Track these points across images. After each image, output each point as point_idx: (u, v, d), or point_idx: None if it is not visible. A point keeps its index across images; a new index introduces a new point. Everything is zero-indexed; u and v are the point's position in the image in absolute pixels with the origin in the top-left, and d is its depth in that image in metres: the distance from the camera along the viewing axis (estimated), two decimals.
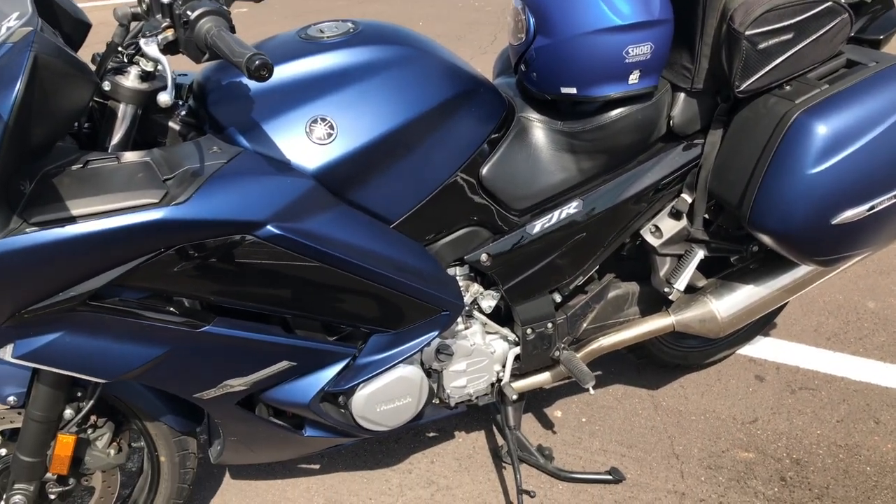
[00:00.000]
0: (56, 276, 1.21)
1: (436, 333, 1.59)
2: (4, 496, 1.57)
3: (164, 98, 1.19)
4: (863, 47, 1.80)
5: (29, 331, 1.29)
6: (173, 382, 1.45)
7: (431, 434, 2.18)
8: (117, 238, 1.20)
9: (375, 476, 2.06)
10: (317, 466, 2.08)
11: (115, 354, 1.35)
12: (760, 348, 2.49)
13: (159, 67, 1.34)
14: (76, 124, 1.39)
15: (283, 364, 1.48)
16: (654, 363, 2.30)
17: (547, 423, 2.22)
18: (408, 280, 1.49)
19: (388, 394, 1.61)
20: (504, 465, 2.07)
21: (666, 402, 2.29)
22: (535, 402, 2.29)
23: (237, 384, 1.48)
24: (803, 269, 1.92)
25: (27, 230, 1.16)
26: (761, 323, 2.36)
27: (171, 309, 1.35)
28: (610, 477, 2.00)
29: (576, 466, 2.07)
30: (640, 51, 1.53)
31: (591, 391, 1.84)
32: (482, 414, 2.24)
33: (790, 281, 1.91)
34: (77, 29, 1.45)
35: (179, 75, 1.58)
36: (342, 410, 1.65)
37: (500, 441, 2.14)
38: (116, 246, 1.21)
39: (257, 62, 1.08)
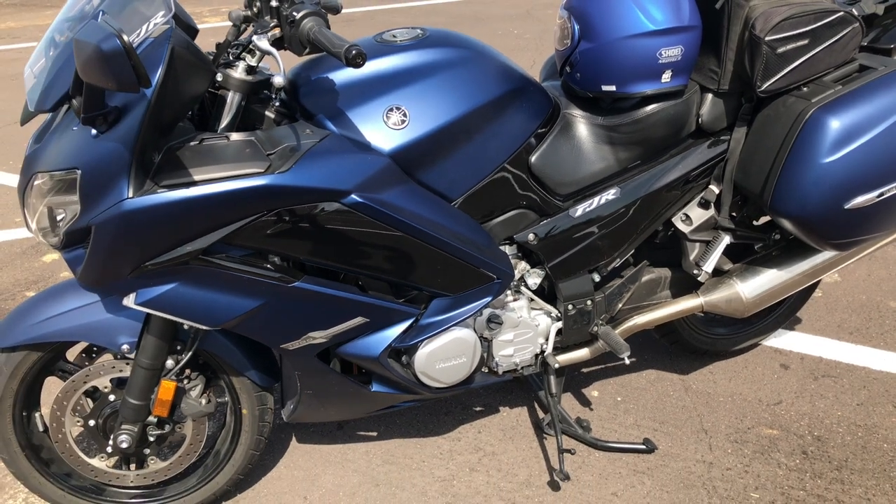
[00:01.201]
0: (177, 231, 1.46)
1: (489, 299, 1.81)
2: (112, 435, 1.81)
3: (279, 80, 1.44)
4: (878, 56, 1.99)
5: (149, 281, 1.54)
6: (265, 332, 1.68)
7: (478, 408, 2.39)
8: (229, 199, 1.45)
9: (428, 443, 2.26)
10: (374, 433, 2.30)
11: (220, 304, 1.59)
12: (786, 340, 2.66)
13: (261, 64, 1.60)
14: (191, 112, 1.64)
15: (358, 320, 1.71)
16: (684, 349, 2.49)
17: (585, 402, 2.41)
18: (467, 248, 1.71)
19: (446, 352, 1.83)
20: (545, 435, 2.26)
21: (696, 385, 2.47)
22: (575, 383, 2.49)
23: (318, 336, 1.71)
24: (822, 256, 2.10)
25: (158, 191, 1.42)
26: (785, 315, 2.53)
27: (268, 266, 1.59)
28: (643, 447, 2.18)
29: (611, 438, 2.25)
30: (671, 53, 1.75)
31: (627, 361, 2.03)
32: (525, 392, 2.44)
33: (810, 266, 2.10)
34: (187, 33, 1.71)
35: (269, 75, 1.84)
36: (405, 367, 1.86)
37: (542, 415, 2.34)
38: (228, 206, 1.46)
39: (354, 52, 1.33)
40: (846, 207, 1.82)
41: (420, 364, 1.83)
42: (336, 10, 1.80)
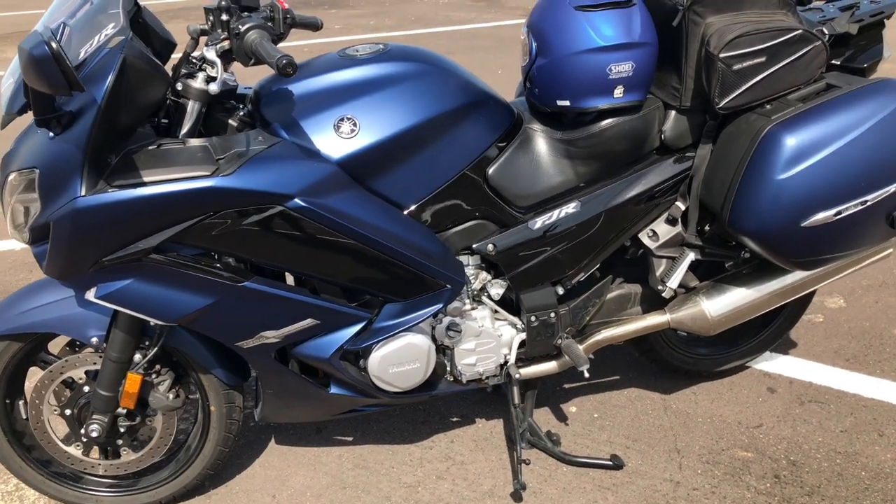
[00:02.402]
0: (127, 229, 1.55)
1: (440, 306, 1.85)
2: (84, 425, 1.91)
3: (213, 87, 1.54)
4: (847, 74, 1.98)
5: (108, 277, 1.64)
6: (219, 330, 1.76)
7: (454, 418, 2.42)
8: (175, 200, 1.54)
9: (400, 449, 2.31)
10: (349, 438, 2.35)
11: (173, 300, 1.67)
12: (777, 364, 2.61)
13: (226, 75, 1.69)
14: (156, 119, 1.74)
15: (309, 321, 1.77)
16: (664, 367, 2.47)
17: (561, 416, 2.41)
18: (415, 256, 1.76)
19: (398, 357, 1.87)
20: (516, 448, 2.28)
21: (676, 405, 2.45)
22: (554, 397, 2.50)
23: (271, 336, 1.78)
24: (792, 277, 2.08)
25: (109, 190, 1.51)
26: (773, 337, 2.49)
27: (218, 265, 1.67)
28: (610, 463, 2.17)
29: (582, 454, 2.25)
30: (621, 68, 1.78)
31: (586, 374, 2.03)
32: (501, 405, 2.46)
33: (779, 287, 2.08)
34: (165, 47, 1.83)
35: (245, 88, 1.93)
36: (361, 371, 1.92)
37: None
38: (174, 206, 1.55)
39: (284, 61, 1.41)
40: (803, 225, 1.80)
41: (374, 368, 1.88)
42: (316, 27, 1.90)
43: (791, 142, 1.76)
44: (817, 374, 2.56)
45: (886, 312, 2.90)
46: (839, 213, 1.80)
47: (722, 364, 2.49)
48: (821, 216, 1.80)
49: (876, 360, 2.62)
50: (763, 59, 1.79)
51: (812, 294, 2.37)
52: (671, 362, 2.42)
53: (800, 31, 1.80)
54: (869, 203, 1.81)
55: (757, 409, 2.41)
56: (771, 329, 2.47)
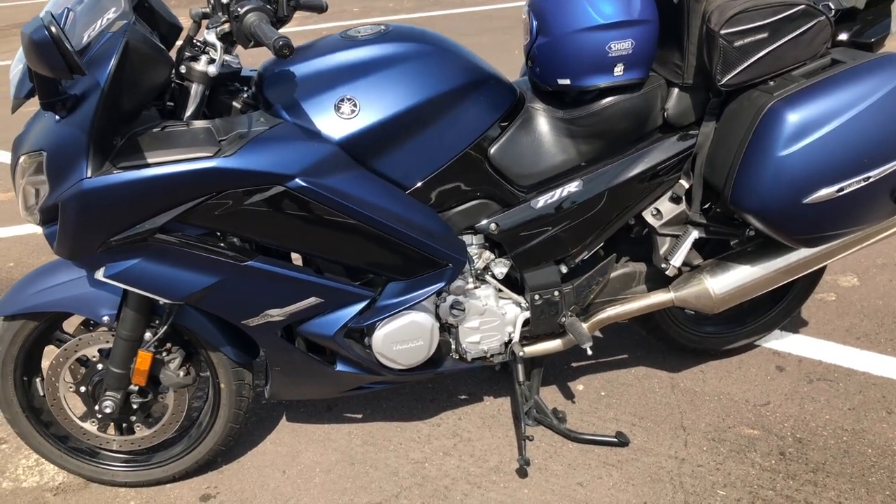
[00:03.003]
0: (132, 209, 1.59)
1: (442, 284, 1.87)
2: (98, 401, 1.96)
3: (212, 70, 1.56)
4: (853, 50, 1.96)
5: (116, 256, 1.68)
6: (225, 308, 1.80)
7: (462, 396, 2.45)
8: (178, 180, 1.57)
9: (409, 426, 2.34)
10: (359, 415, 2.39)
11: (179, 279, 1.71)
12: (786, 342, 2.60)
13: (230, 58, 1.72)
14: (162, 101, 1.77)
15: (312, 300, 1.80)
16: (672, 346, 2.48)
17: (568, 394, 2.43)
18: (416, 235, 1.78)
19: (401, 335, 1.90)
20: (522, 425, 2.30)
21: (684, 383, 2.45)
22: (562, 375, 2.52)
23: (276, 314, 1.81)
24: (797, 254, 2.07)
25: (114, 171, 1.55)
26: (781, 315, 2.48)
27: (222, 245, 1.71)
28: (616, 440, 2.19)
29: (588, 431, 2.27)
30: (621, 46, 1.78)
31: (589, 351, 2.05)
32: (509, 383, 2.48)
33: (784, 264, 2.07)
34: (171, 31, 1.86)
35: (250, 70, 1.96)
36: (365, 348, 1.95)
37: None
38: (177, 187, 1.58)
39: (281, 42, 1.43)
40: (805, 202, 1.80)
41: (377, 345, 1.91)
42: (320, 10, 1.91)
43: (793, 118, 1.75)
44: (827, 352, 2.55)
45: None
46: (841, 189, 1.79)
47: (730, 342, 2.49)
48: (823, 193, 1.79)
49: (888, 339, 2.60)
50: (765, 35, 1.78)
51: (822, 271, 2.36)
52: (678, 340, 2.43)
53: (803, 7, 1.78)
54: (872, 179, 1.80)
55: (765, 388, 2.41)
56: (780, 307, 2.46)
